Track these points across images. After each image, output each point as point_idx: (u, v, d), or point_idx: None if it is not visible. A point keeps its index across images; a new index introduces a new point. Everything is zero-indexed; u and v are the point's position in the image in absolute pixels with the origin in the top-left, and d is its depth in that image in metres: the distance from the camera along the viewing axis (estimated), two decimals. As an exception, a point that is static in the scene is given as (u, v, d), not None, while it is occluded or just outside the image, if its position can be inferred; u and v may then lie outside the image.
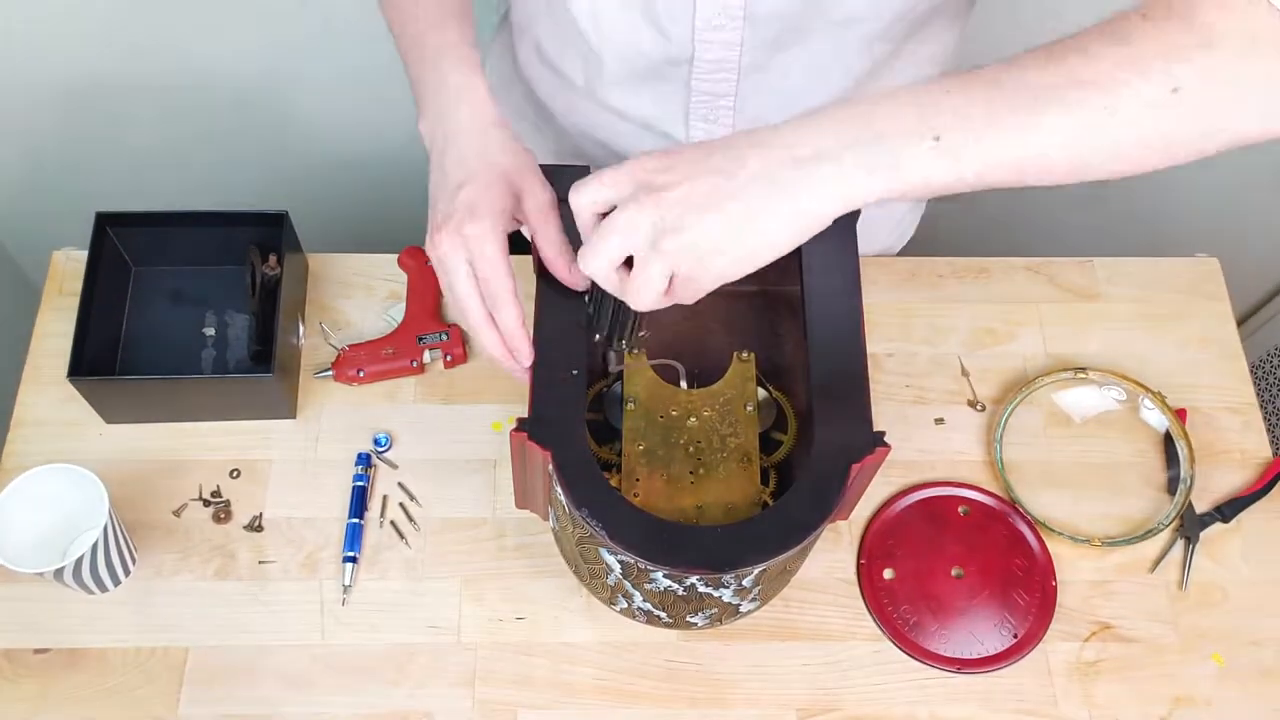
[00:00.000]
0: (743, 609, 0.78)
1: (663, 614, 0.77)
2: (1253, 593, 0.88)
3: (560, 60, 0.87)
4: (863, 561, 0.87)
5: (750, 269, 0.59)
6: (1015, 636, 0.85)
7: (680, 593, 0.73)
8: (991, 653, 0.84)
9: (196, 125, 1.27)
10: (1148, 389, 0.94)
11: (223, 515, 0.87)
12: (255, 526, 0.87)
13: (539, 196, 0.70)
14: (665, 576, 0.71)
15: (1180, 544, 0.89)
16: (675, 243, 0.57)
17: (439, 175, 0.71)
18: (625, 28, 0.79)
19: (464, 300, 0.69)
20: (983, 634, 0.85)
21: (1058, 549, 0.88)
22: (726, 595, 0.74)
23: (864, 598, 0.86)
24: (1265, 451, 0.94)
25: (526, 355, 0.71)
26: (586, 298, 0.72)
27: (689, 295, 0.61)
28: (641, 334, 0.71)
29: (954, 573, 0.87)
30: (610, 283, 0.61)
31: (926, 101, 0.55)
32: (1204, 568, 0.89)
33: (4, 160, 1.30)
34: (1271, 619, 0.87)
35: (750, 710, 0.82)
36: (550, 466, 0.70)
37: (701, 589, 0.72)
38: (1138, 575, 0.88)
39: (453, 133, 0.71)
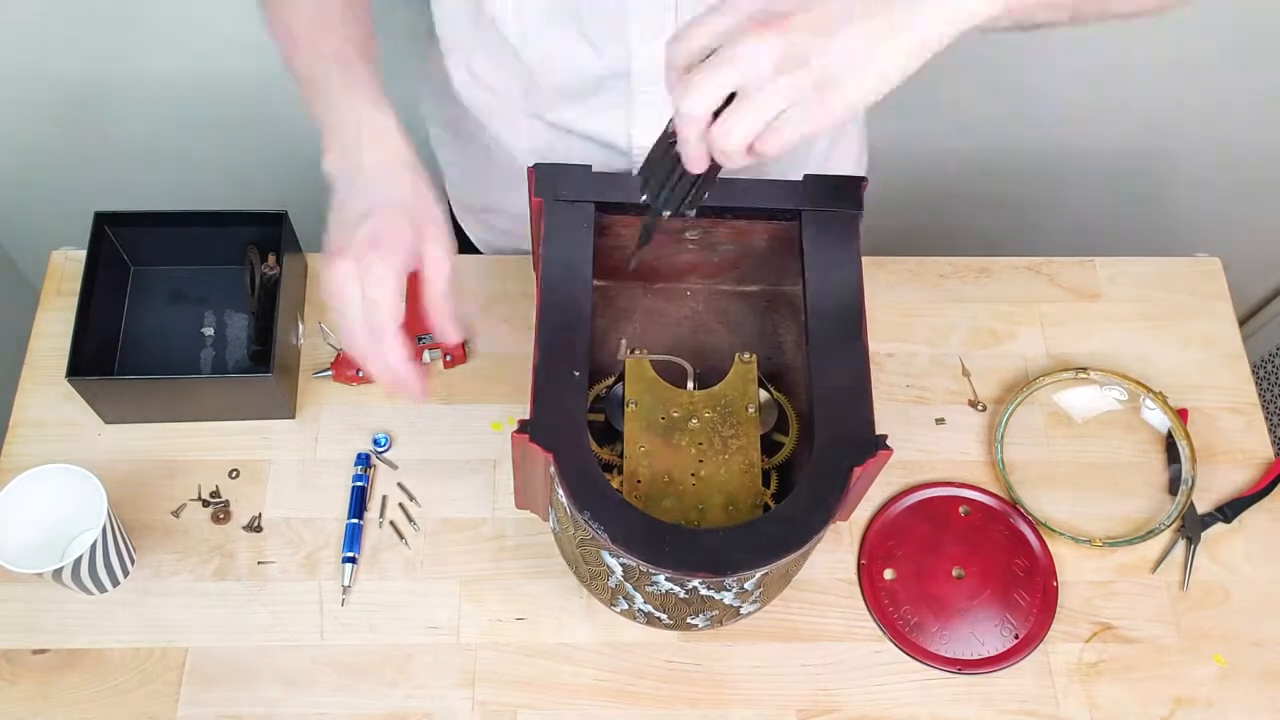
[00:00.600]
0: (743, 610, 0.78)
1: (663, 615, 0.77)
2: (1254, 593, 0.87)
3: (497, 81, 0.87)
4: (863, 562, 0.87)
5: (874, 98, 0.54)
6: (1016, 637, 0.85)
7: (682, 595, 0.73)
8: (992, 653, 0.84)
9: (196, 125, 1.26)
10: (1149, 389, 0.93)
11: (222, 515, 0.87)
12: (254, 527, 0.87)
13: (439, 245, 0.69)
14: (667, 579, 0.70)
15: (1182, 544, 0.89)
16: (801, 71, 0.52)
17: (340, 209, 0.69)
18: (559, 47, 0.78)
19: (351, 327, 0.68)
20: (984, 634, 0.85)
21: (1059, 549, 0.88)
22: (728, 598, 0.74)
23: (865, 598, 0.86)
24: (1267, 452, 0.94)
25: (417, 390, 0.71)
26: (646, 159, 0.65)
27: (784, 140, 0.55)
28: (704, 198, 0.64)
29: (955, 573, 0.87)
30: (696, 126, 0.56)
31: None
32: (1205, 568, 0.88)
33: (3, 160, 1.29)
34: (1273, 619, 0.87)
35: (750, 711, 0.82)
36: (552, 469, 0.70)
37: (703, 591, 0.72)
38: (1139, 576, 0.88)
39: (360, 169, 0.70)
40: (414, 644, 0.83)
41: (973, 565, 0.87)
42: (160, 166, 1.31)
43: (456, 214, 1.11)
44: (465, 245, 1.14)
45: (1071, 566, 0.88)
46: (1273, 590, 0.88)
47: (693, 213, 0.65)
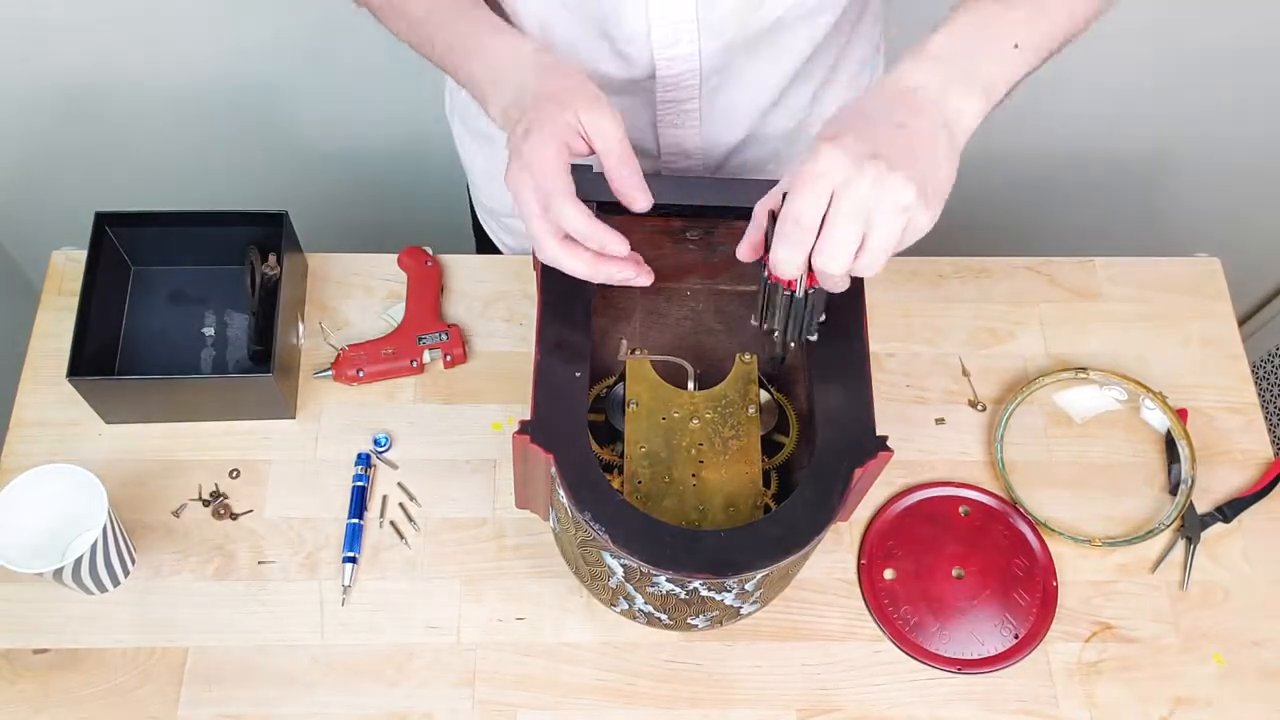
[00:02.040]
0: (743, 611, 0.78)
1: (664, 616, 0.77)
2: (1254, 593, 0.88)
3: None
4: (863, 562, 0.87)
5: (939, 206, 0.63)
6: (1016, 637, 0.85)
7: (682, 596, 0.73)
8: (992, 653, 0.84)
9: (196, 125, 1.26)
10: (1149, 389, 0.93)
11: (222, 511, 0.87)
12: (231, 515, 0.87)
13: (596, 111, 0.67)
14: (668, 580, 0.70)
15: (1181, 544, 0.89)
16: (910, 189, 0.59)
17: (510, 135, 0.70)
18: (583, 55, 0.79)
19: (536, 233, 0.68)
20: (983, 634, 0.85)
21: (1058, 549, 0.88)
22: (728, 598, 0.74)
23: (864, 598, 0.86)
24: (1266, 452, 0.94)
25: (616, 243, 0.68)
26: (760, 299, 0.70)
27: (885, 251, 0.63)
28: (821, 320, 0.71)
29: (955, 573, 0.87)
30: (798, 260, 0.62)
31: (995, 15, 0.65)
32: (1205, 568, 0.89)
33: (3, 160, 1.30)
34: (1273, 619, 0.87)
35: (750, 711, 0.82)
36: (553, 470, 0.70)
37: (704, 592, 0.72)
38: (1139, 575, 0.88)
39: (501, 85, 0.70)
40: (414, 644, 0.83)
41: (972, 565, 0.87)
42: (160, 166, 1.31)
43: (480, 217, 1.11)
44: (487, 247, 1.14)
45: (1071, 566, 0.88)
46: (1272, 590, 0.88)
47: (814, 336, 0.71)
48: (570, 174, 0.67)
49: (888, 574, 0.87)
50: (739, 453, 0.79)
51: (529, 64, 0.70)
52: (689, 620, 0.77)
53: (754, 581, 0.72)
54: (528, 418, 0.71)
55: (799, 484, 0.71)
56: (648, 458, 0.79)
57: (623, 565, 0.72)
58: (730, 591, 0.73)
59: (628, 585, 0.74)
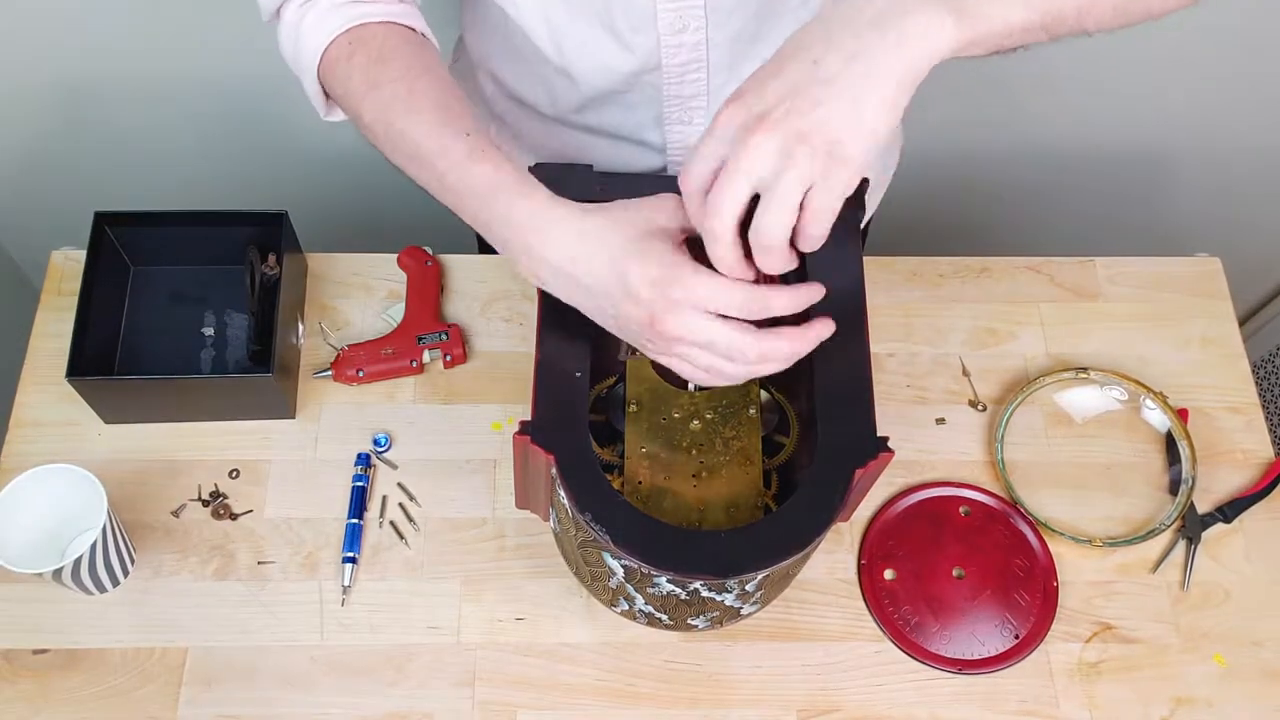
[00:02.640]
0: (744, 611, 0.78)
1: (664, 616, 0.77)
2: (1255, 593, 0.87)
3: (522, 91, 0.87)
4: (863, 562, 0.87)
5: (877, 142, 0.55)
6: (1016, 637, 0.85)
7: (683, 597, 0.73)
8: (993, 653, 0.84)
9: (195, 124, 1.26)
10: (1149, 389, 0.93)
11: (221, 511, 0.87)
12: (231, 515, 0.87)
13: (669, 208, 0.65)
14: (668, 581, 0.70)
15: (1182, 545, 0.89)
16: (803, 150, 0.54)
17: (589, 300, 0.66)
18: (588, 46, 0.78)
19: (732, 353, 0.63)
20: (984, 635, 0.85)
21: (1059, 549, 0.88)
22: (729, 599, 0.74)
23: (865, 598, 0.86)
24: (1267, 452, 0.94)
25: (789, 260, 0.61)
26: None
27: (819, 218, 0.57)
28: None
29: (955, 573, 0.87)
30: (727, 243, 0.58)
31: None
32: (1206, 568, 0.88)
33: (2, 160, 1.29)
34: (1273, 619, 0.87)
35: (750, 711, 0.82)
36: (553, 470, 0.70)
37: (704, 593, 0.72)
38: (1139, 576, 0.88)
39: (564, 264, 0.65)
40: (414, 644, 0.83)
41: (973, 565, 0.87)
42: (160, 166, 1.31)
43: None
44: (489, 246, 1.13)
45: (1071, 567, 0.88)
46: (1273, 590, 0.88)
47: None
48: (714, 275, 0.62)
49: (888, 574, 0.87)
50: (739, 453, 0.79)
51: (574, 231, 0.65)
52: (689, 621, 0.77)
53: (755, 582, 0.72)
54: (528, 418, 0.71)
55: (800, 485, 0.71)
56: (648, 458, 0.79)
57: (623, 566, 0.71)
58: (731, 592, 0.73)
59: (628, 586, 0.74)
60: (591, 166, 0.81)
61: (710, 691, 0.82)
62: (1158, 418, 0.94)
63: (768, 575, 0.71)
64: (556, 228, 0.65)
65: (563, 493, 0.70)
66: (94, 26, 1.12)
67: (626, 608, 0.78)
